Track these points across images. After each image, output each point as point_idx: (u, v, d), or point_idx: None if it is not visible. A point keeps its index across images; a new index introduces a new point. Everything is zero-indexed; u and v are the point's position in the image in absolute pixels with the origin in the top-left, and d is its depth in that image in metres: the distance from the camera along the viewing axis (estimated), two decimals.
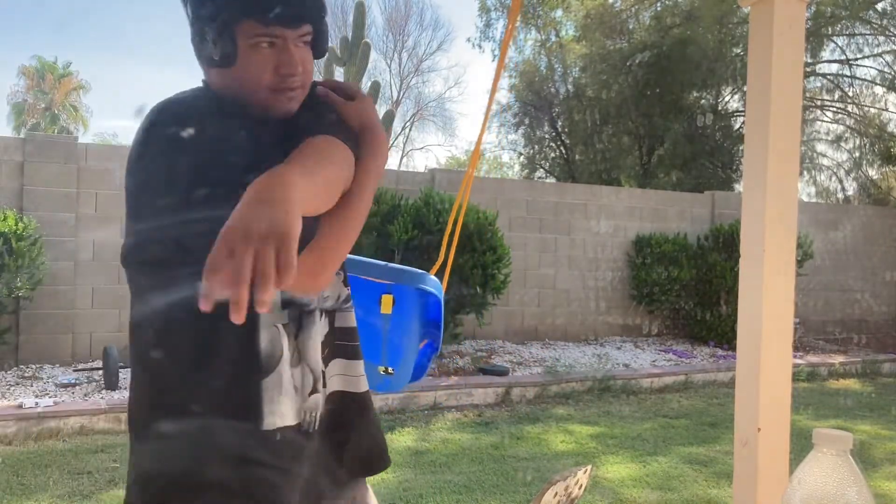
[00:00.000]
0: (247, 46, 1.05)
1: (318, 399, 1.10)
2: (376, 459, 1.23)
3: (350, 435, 1.16)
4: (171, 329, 1.04)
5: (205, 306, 0.73)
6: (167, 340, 1.05)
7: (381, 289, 1.50)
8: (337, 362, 1.16)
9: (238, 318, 0.73)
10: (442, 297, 1.65)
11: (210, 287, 0.72)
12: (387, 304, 1.59)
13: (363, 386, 1.19)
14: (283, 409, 1.04)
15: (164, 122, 1.05)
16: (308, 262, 0.95)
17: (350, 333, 1.18)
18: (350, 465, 1.17)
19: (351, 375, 1.17)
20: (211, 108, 1.11)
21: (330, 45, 1.19)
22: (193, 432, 1.04)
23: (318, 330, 1.11)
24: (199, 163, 1.01)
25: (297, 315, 1.08)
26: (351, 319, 1.18)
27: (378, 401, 5.17)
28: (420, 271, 1.65)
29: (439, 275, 1.75)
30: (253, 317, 0.99)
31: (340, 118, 1.13)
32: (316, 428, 1.10)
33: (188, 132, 1.03)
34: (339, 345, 1.16)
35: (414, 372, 1.65)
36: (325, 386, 1.13)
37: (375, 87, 9.99)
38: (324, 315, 1.13)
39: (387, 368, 1.62)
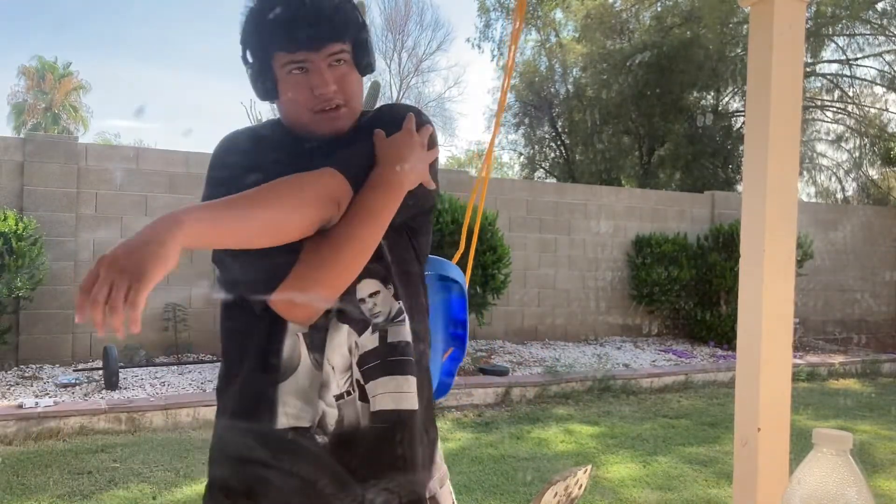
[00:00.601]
0: (283, 76, 1.14)
1: (332, 405, 1.11)
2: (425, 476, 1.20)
3: (400, 451, 1.15)
4: (222, 325, 1.20)
5: (78, 319, 0.84)
6: (223, 333, 1.21)
7: None
8: (387, 380, 1.14)
9: (99, 331, 0.84)
10: (466, 288, 1.54)
11: (78, 304, 0.84)
12: None
13: (414, 402, 1.16)
14: (297, 412, 1.10)
15: (218, 146, 1.20)
16: (286, 291, 1.06)
17: (402, 348, 1.16)
18: (395, 479, 1.16)
19: (402, 392, 1.15)
20: (264, 134, 1.22)
21: None
22: (227, 424, 1.17)
23: (342, 340, 1.12)
24: (233, 176, 1.12)
25: (323, 324, 1.11)
26: (403, 333, 1.16)
27: None
28: (441, 258, 1.52)
29: (461, 266, 1.61)
30: (282, 324, 1.09)
31: (363, 149, 1.15)
32: (331, 431, 1.11)
33: (230, 152, 1.18)
34: (391, 361, 1.15)
35: (439, 385, 1.51)
36: (364, 399, 1.13)
37: (375, 87, 9.99)
38: (375, 330, 1.14)
39: None
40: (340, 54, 1.14)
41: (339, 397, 1.12)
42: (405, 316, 1.17)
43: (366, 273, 1.12)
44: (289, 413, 1.10)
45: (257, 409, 1.11)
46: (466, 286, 1.54)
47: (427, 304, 1.26)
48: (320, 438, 1.11)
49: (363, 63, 1.19)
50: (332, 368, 1.11)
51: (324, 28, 1.12)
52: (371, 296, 1.14)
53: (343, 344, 1.12)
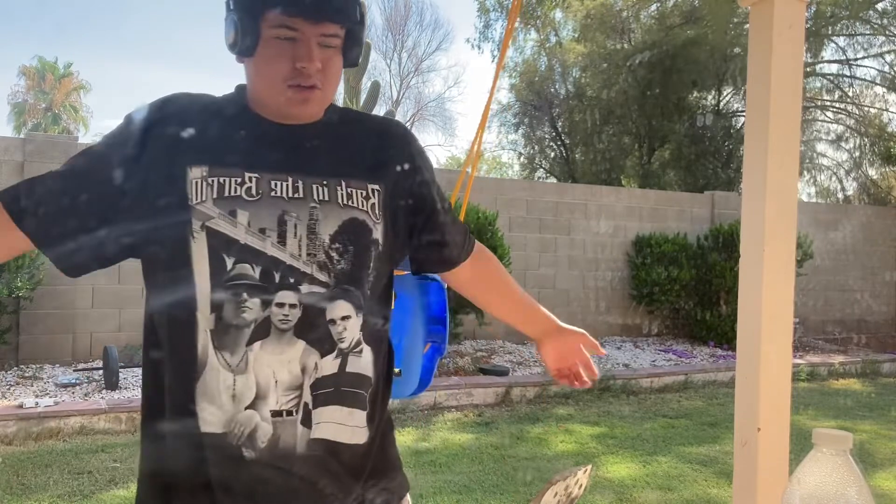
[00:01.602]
0: (268, 38, 1.07)
1: (253, 416, 1.05)
2: None
3: (335, 485, 1.11)
4: (147, 326, 1.14)
5: None
6: (146, 339, 1.14)
7: None
8: (335, 409, 1.10)
9: None
10: (444, 285, 1.51)
11: None
12: None
13: (360, 437, 1.13)
14: (207, 416, 1.05)
15: (144, 108, 1.11)
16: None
17: (358, 380, 1.12)
18: None
19: (349, 425, 1.12)
20: (221, 105, 1.15)
21: None
22: (158, 432, 1.11)
23: (296, 355, 1.06)
24: (147, 156, 1.08)
25: (236, 323, 1.05)
26: (362, 365, 1.12)
27: None
28: None
29: None
30: (194, 320, 1.04)
31: None
32: (260, 448, 1.06)
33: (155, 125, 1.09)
34: (345, 391, 1.11)
35: (420, 378, 1.56)
36: (307, 425, 1.08)
37: (375, 87, 9.99)
38: (339, 356, 1.10)
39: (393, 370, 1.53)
40: (333, 38, 1.09)
41: (276, 413, 1.06)
42: (365, 348, 1.13)
43: (342, 295, 1.09)
44: (203, 416, 1.05)
45: (182, 410, 1.06)
46: (444, 282, 1.51)
47: (387, 328, 1.22)
48: (247, 453, 1.05)
49: (351, 54, 1.14)
50: (276, 382, 1.06)
51: (328, 4, 1.08)
52: (343, 319, 1.09)
53: (296, 360, 1.06)
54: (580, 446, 4.90)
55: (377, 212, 1.14)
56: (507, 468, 4.32)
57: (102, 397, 5.23)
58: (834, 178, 16.33)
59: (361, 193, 1.13)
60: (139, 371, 6.01)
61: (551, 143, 16.65)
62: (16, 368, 6.01)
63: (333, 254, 1.09)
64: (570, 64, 15.39)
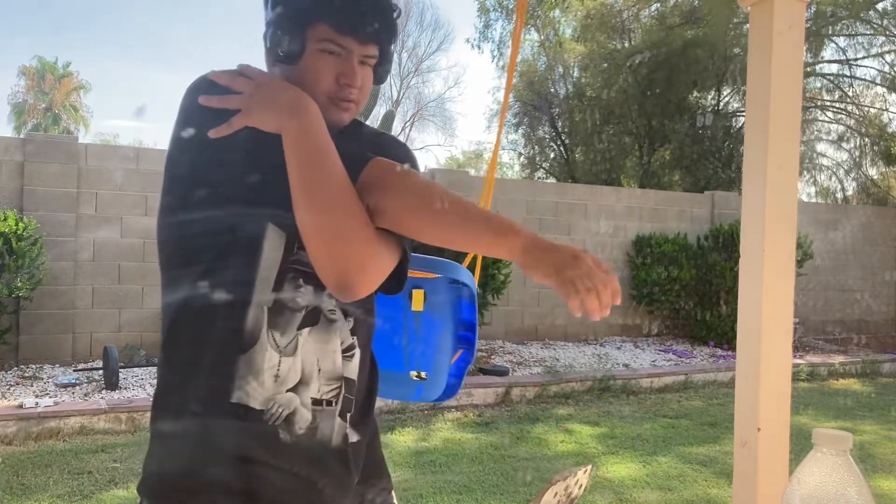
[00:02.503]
0: (314, 50, 1.09)
1: (293, 399, 1.07)
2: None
3: (350, 480, 1.14)
4: (177, 309, 1.10)
5: None
6: (174, 322, 1.10)
7: (410, 283, 1.36)
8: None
9: None
10: (476, 291, 1.52)
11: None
12: (418, 300, 1.47)
13: (350, 437, 1.15)
14: (249, 390, 1.05)
15: (186, 100, 1.08)
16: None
17: (349, 384, 1.14)
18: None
19: (351, 423, 1.15)
20: None
21: None
22: (185, 403, 1.08)
23: (329, 337, 1.09)
24: (200, 161, 1.07)
25: (293, 305, 1.06)
26: (349, 370, 1.14)
27: (378, 400, 5.13)
28: (452, 262, 1.51)
29: (470, 269, 1.60)
30: (247, 293, 1.03)
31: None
32: (297, 433, 1.07)
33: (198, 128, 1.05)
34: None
35: (447, 387, 1.52)
36: (343, 418, 1.11)
37: (375, 88, 9.99)
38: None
39: (419, 373, 1.50)
40: (372, 58, 1.13)
41: (317, 402, 1.08)
42: (356, 353, 1.14)
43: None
44: (242, 388, 1.04)
45: (219, 382, 1.05)
46: (476, 289, 1.52)
47: (372, 329, 1.22)
48: (283, 435, 1.05)
49: (382, 71, 1.18)
50: (319, 370, 1.08)
51: (376, 26, 1.11)
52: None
53: (338, 351, 1.10)
54: (580, 446, 4.90)
55: None
56: (507, 468, 4.32)
57: (102, 397, 5.23)
58: (834, 178, 16.35)
59: None
60: (139, 371, 6.02)
61: (551, 143, 16.65)
62: (16, 368, 6.01)
63: None
64: (571, 64, 15.38)
